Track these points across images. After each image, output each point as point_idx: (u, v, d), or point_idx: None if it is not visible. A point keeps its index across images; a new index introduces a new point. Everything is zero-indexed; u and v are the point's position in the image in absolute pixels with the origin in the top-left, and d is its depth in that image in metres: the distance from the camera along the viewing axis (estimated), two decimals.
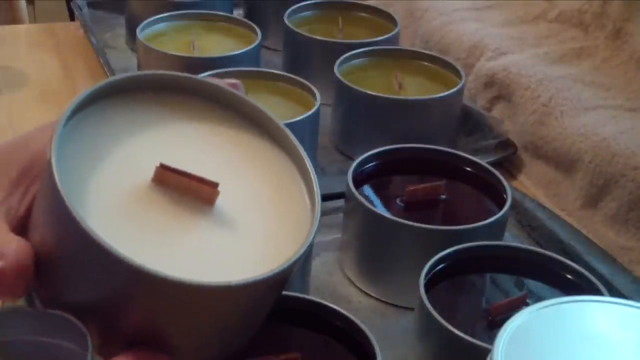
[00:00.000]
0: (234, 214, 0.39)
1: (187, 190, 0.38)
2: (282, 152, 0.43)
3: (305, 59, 0.92)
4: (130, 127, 0.41)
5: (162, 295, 0.35)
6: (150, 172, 0.38)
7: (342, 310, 0.52)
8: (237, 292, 0.36)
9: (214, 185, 0.38)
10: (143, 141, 0.40)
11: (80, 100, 0.38)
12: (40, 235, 0.38)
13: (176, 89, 0.43)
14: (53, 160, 0.35)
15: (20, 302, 0.44)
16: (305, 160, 0.42)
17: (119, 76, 0.41)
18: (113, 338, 0.38)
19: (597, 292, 0.55)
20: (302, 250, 0.38)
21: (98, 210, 0.36)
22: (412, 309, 0.58)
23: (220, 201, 0.39)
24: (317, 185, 0.41)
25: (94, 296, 0.37)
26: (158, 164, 0.38)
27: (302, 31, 0.92)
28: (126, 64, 0.96)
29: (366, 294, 0.66)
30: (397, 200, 0.67)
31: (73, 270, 0.37)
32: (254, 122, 0.44)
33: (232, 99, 0.43)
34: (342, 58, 0.84)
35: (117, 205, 0.37)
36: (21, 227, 0.39)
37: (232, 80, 0.44)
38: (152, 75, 0.42)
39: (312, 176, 0.41)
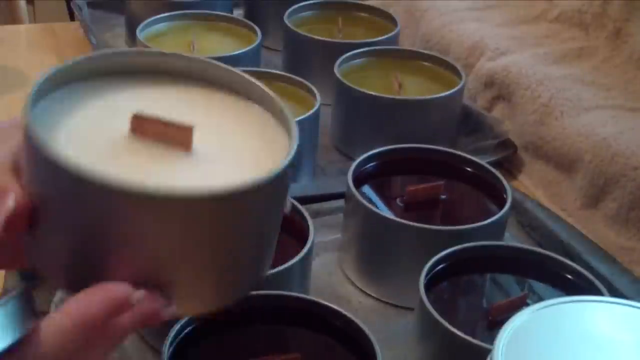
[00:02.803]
0: (213, 155, 0.40)
1: (164, 136, 0.39)
2: (258, 105, 0.43)
3: (305, 59, 0.92)
4: (104, 95, 0.42)
5: (144, 211, 0.35)
6: (126, 126, 0.39)
7: (342, 310, 0.52)
8: (212, 202, 0.35)
9: (188, 129, 0.39)
10: (118, 103, 0.41)
11: (49, 75, 0.40)
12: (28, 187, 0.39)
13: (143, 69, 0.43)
14: (25, 109, 0.37)
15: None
16: (282, 107, 0.42)
17: (86, 57, 0.42)
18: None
19: (597, 292, 0.55)
20: (283, 164, 0.37)
21: (82, 155, 0.37)
22: (412, 309, 0.58)
23: (197, 146, 0.39)
24: (296, 130, 0.40)
25: (75, 232, 0.37)
26: (132, 114, 0.39)
27: (302, 31, 0.92)
28: None
29: (366, 294, 0.66)
30: (397, 200, 0.67)
31: (56, 213, 0.37)
32: (228, 85, 0.44)
33: (201, 65, 0.43)
34: (342, 58, 0.84)
35: (95, 153, 0.38)
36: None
37: None
38: (119, 54, 0.43)
39: (289, 119, 0.41)
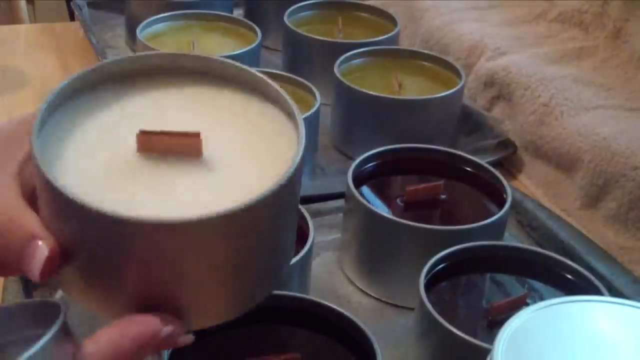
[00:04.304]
0: (221, 163, 0.39)
1: (173, 148, 0.39)
2: (269, 104, 0.43)
3: (305, 59, 0.92)
4: (112, 106, 0.41)
5: (136, 238, 0.35)
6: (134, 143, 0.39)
7: (342, 310, 0.52)
8: (193, 228, 0.35)
9: (196, 135, 0.38)
10: (126, 115, 0.41)
11: (60, 89, 0.39)
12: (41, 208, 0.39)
13: (157, 70, 0.43)
14: (33, 138, 0.36)
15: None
16: (293, 108, 0.42)
17: (102, 62, 0.42)
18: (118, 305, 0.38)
19: (597, 292, 0.55)
20: (272, 189, 0.37)
21: (81, 180, 0.37)
22: (412, 309, 0.58)
23: (207, 154, 0.39)
24: (303, 131, 0.40)
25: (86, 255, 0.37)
26: (138, 132, 0.39)
27: (302, 31, 0.92)
28: None
29: (366, 294, 0.66)
30: (397, 200, 0.67)
31: (67, 235, 0.37)
32: (240, 82, 0.44)
33: (215, 64, 0.43)
34: (342, 58, 0.84)
35: (103, 175, 0.38)
36: (34, 198, 0.39)
37: None
38: (133, 59, 0.42)
39: (299, 123, 0.41)
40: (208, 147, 0.39)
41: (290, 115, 0.42)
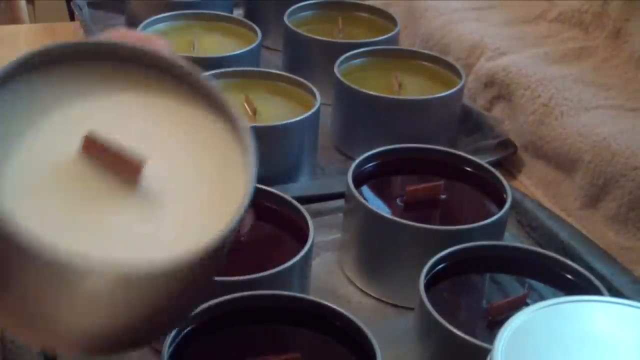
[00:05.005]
0: (161, 187, 0.38)
1: (113, 165, 0.37)
2: (218, 116, 0.40)
3: (305, 59, 0.92)
4: (57, 100, 0.39)
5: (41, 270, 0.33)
6: (77, 145, 0.37)
7: (342, 310, 0.52)
8: (104, 278, 0.33)
9: (139, 163, 0.37)
10: (69, 114, 0.39)
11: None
12: None
13: (105, 58, 0.41)
14: None
15: None
16: (242, 127, 0.39)
17: (36, 49, 0.39)
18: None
19: (597, 292, 0.55)
20: (211, 242, 0.35)
21: (16, 186, 0.35)
22: (412, 309, 0.58)
23: (149, 172, 0.37)
24: (254, 159, 0.38)
25: None
26: (85, 134, 0.37)
27: (302, 31, 0.92)
28: None
29: (366, 294, 0.66)
30: (397, 200, 0.67)
31: None
32: (189, 86, 0.41)
33: (160, 62, 0.41)
34: (342, 58, 0.84)
35: (38, 180, 0.36)
36: None
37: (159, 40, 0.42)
38: (76, 45, 0.40)
39: (249, 145, 0.38)
40: (150, 169, 0.37)
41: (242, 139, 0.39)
